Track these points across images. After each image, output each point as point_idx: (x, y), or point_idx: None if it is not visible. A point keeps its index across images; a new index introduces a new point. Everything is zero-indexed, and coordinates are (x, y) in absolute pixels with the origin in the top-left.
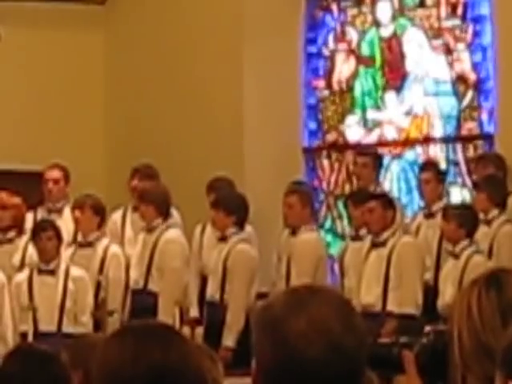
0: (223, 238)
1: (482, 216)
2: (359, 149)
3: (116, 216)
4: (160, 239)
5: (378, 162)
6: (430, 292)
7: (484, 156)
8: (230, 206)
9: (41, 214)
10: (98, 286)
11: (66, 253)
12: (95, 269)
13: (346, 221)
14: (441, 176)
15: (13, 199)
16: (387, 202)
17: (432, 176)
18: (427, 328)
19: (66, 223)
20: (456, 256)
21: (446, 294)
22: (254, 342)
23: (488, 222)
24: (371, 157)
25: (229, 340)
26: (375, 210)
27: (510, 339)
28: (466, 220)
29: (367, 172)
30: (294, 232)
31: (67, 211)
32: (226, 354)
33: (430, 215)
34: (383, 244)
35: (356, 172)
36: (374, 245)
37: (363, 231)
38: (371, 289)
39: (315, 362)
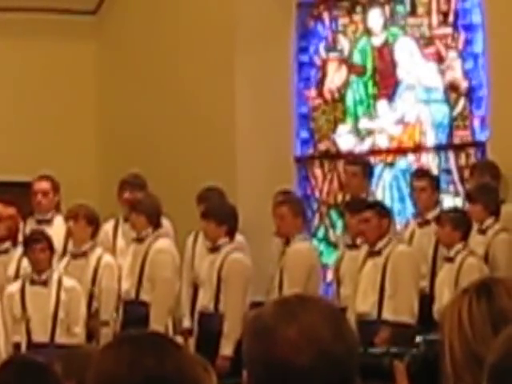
0: (215, 249)
1: (477, 225)
2: (349, 158)
3: (108, 226)
4: (150, 249)
5: (368, 171)
6: (426, 300)
7: (480, 164)
8: (220, 216)
9: (30, 224)
10: (90, 297)
11: (60, 263)
12: (88, 279)
13: (339, 230)
14: (435, 184)
15: (8, 210)
16: (382, 210)
17: (427, 184)
18: (418, 338)
19: (56, 233)
20: (451, 259)
21: (443, 298)
22: (245, 351)
23: (483, 231)
24: (361, 166)
25: (227, 349)
26: (371, 220)
27: (497, 355)
28: (459, 222)
29: (357, 181)
30: (287, 242)
31: (57, 221)
32: (224, 362)
33: (424, 223)
34: (379, 253)
35: (346, 181)
36: (370, 254)
37: (360, 240)
38: (367, 297)
39: (306, 371)
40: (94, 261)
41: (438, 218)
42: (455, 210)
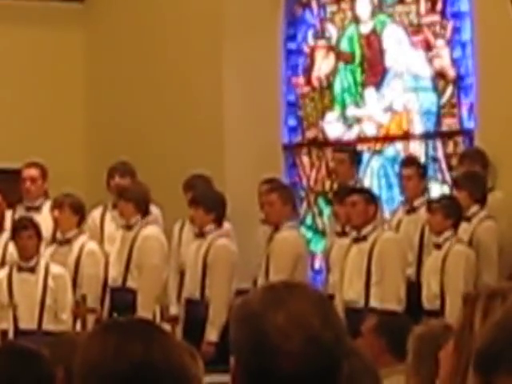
0: (201, 234)
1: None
2: (337, 145)
3: (95, 213)
4: (138, 236)
5: (355, 159)
6: (413, 288)
7: (469, 152)
8: (209, 203)
9: (19, 211)
10: (74, 284)
11: (46, 251)
12: (71, 266)
13: (326, 217)
14: (422, 172)
15: None
16: (370, 196)
17: (414, 172)
18: None
19: (44, 220)
20: (439, 246)
21: (431, 285)
22: (233, 338)
23: (468, 219)
24: (348, 153)
25: (212, 335)
26: (357, 204)
27: (485, 342)
28: (451, 211)
29: (345, 168)
30: (276, 229)
31: (46, 209)
32: (209, 348)
33: (411, 210)
34: (364, 239)
35: (334, 168)
36: (356, 240)
37: (349, 227)
38: (353, 284)
39: (294, 357)
40: (77, 248)
41: (429, 205)
42: (446, 197)
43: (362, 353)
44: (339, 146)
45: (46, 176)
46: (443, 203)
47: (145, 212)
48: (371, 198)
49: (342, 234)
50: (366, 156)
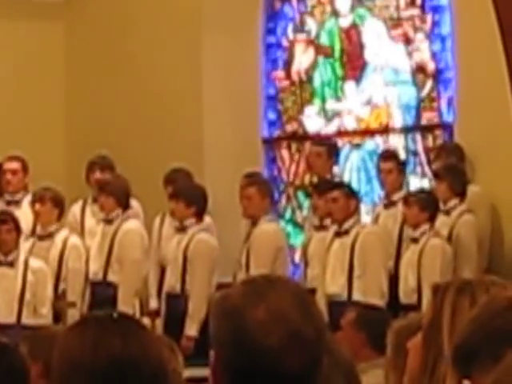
0: (182, 229)
1: (441, 206)
2: (314, 139)
3: (75, 208)
4: (119, 230)
5: (332, 152)
6: (392, 281)
7: (446, 146)
8: (190, 196)
9: None
10: (57, 278)
11: (24, 245)
12: (55, 260)
13: (305, 211)
14: (401, 166)
15: None
16: (350, 191)
17: (393, 166)
18: None
19: (24, 215)
20: (415, 240)
21: (408, 279)
22: (213, 332)
23: (447, 212)
24: (326, 146)
25: (191, 329)
26: (338, 200)
27: (462, 336)
28: (427, 204)
29: (322, 162)
30: (254, 223)
31: (26, 203)
32: (188, 343)
33: (389, 204)
34: (346, 233)
35: (310, 161)
36: (337, 234)
37: (327, 221)
38: (336, 278)
39: (275, 351)
40: (60, 242)
41: (405, 198)
42: (423, 191)
43: (335, 350)
44: (317, 139)
45: (27, 170)
46: (419, 196)
47: (125, 206)
48: (351, 192)
49: (321, 227)
50: (345, 150)
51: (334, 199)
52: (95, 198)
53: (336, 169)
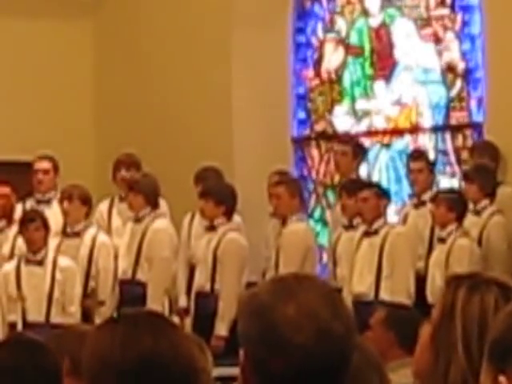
0: (211, 228)
1: (471, 206)
2: (341, 137)
3: (103, 206)
4: (148, 229)
5: (358, 152)
6: (422, 282)
7: (479, 145)
8: (219, 195)
9: (30, 204)
10: (87, 276)
11: (52, 243)
12: (84, 258)
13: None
14: (431, 166)
15: (2, 189)
16: (380, 191)
17: (423, 165)
18: None
19: (55, 214)
20: (443, 240)
21: (436, 279)
22: (241, 330)
23: (477, 212)
24: (351, 145)
25: (221, 329)
26: (369, 200)
27: (498, 331)
28: (455, 204)
29: (346, 161)
30: (283, 222)
31: (56, 202)
32: (218, 342)
33: (419, 204)
34: (375, 233)
35: (335, 160)
36: (366, 233)
37: (356, 221)
38: (363, 278)
39: (304, 349)
40: (88, 240)
41: (434, 197)
42: (451, 190)
43: (365, 347)
44: (343, 138)
45: (58, 169)
46: (447, 196)
47: (154, 204)
48: (382, 192)
49: (350, 227)
50: (375, 149)
51: (364, 199)
52: (122, 197)
53: (363, 168)
